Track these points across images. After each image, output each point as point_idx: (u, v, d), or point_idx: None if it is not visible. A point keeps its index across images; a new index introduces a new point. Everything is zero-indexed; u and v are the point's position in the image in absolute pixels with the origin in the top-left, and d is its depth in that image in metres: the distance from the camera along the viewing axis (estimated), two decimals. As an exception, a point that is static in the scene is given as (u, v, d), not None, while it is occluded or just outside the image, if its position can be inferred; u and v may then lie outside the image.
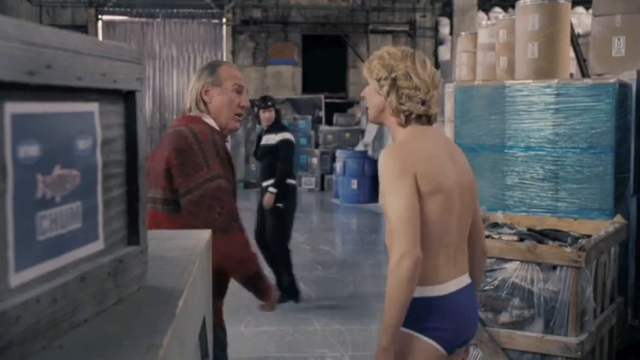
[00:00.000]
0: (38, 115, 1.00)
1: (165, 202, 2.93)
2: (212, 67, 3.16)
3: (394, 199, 2.46)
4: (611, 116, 4.74)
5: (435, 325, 2.55)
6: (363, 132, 16.70)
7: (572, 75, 9.28)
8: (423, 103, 2.63)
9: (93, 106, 1.17)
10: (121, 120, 1.27)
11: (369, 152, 13.84)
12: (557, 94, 4.86)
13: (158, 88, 22.37)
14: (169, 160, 2.87)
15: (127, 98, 1.28)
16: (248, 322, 6.25)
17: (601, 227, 4.56)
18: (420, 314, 2.54)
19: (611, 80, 4.79)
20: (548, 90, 4.89)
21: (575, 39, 8.65)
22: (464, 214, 2.65)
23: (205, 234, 1.88)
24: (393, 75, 2.63)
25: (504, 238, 4.07)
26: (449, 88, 9.11)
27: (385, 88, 2.65)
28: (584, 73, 8.75)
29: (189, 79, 22.22)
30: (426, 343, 2.55)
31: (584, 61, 8.84)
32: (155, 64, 22.29)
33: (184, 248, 1.71)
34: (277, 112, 7.30)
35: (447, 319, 2.57)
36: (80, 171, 1.12)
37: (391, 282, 2.41)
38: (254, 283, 2.97)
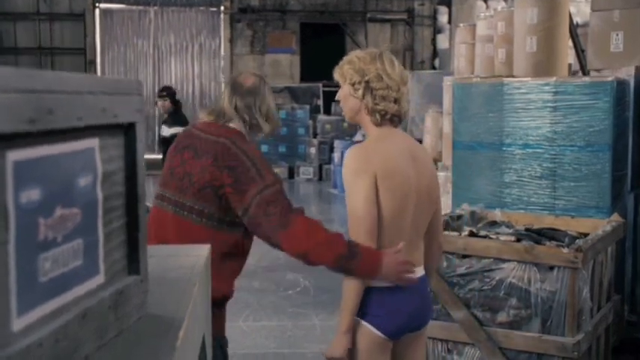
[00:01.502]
0: (39, 159, 1.01)
1: (202, 214, 2.92)
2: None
3: (352, 198, 2.70)
4: (609, 114, 4.75)
5: (377, 312, 2.80)
6: (361, 121, 16.67)
7: (570, 65, 9.28)
8: (396, 101, 2.82)
9: (93, 142, 1.18)
10: (121, 152, 1.28)
11: (368, 142, 13.84)
12: (556, 92, 4.86)
13: (156, 76, 22.34)
14: (221, 178, 2.87)
15: (127, 130, 1.29)
16: (247, 317, 6.28)
17: (598, 225, 4.58)
18: (366, 302, 2.79)
19: (609, 78, 4.80)
20: (546, 88, 4.89)
21: (573, 29, 8.64)
22: (419, 216, 2.85)
23: (204, 250, 1.89)
24: (366, 78, 2.81)
25: (502, 238, 4.08)
26: (447, 82, 9.12)
27: (360, 91, 2.83)
28: (582, 64, 8.75)
29: (187, 67, 22.22)
30: (367, 328, 2.80)
31: (583, 51, 8.83)
32: (153, 53, 22.24)
33: (184, 267, 1.72)
34: (175, 104, 7.58)
35: (387, 308, 2.81)
36: (81, 208, 1.13)
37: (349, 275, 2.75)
38: (342, 267, 2.74)
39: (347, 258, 2.71)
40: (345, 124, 17.22)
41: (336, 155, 14.58)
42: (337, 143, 14.81)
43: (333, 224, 11.79)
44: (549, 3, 7.79)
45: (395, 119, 2.85)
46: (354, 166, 2.72)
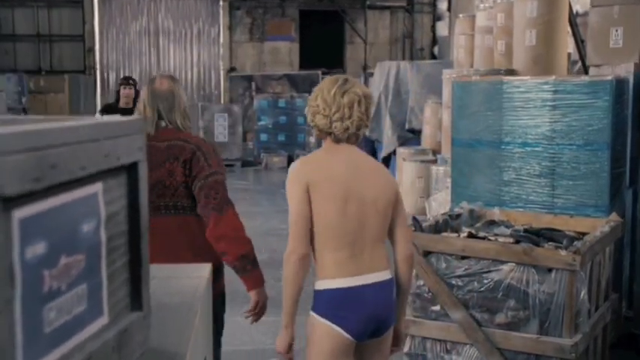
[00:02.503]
0: (44, 212, 1.03)
1: (192, 210, 3.34)
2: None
3: (289, 204, 3.03)
4: (608, 113, 4.76)
5: (338, 313, 2.99)
6: (360, 110, 16.63)
7: (569, 55, 9.27)
8: (329, 120, 3.06)
9: (96, 187, 1.19)
10: (124, 191, 1.29)
11: (367, 132, 13.83)
12: (555, 91, 4.86)
13: (154, 63, 22.29)
14: (185, 172, 3.31)
15: (130, 170, 1.30)
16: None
17: (597, 225, 4.60)
18: (327, 303, 3.02)
19: (609, 77, 4.80)
20: (545, 87, 4.89)
21: (573, 18, 8.63)
22: (369, 222, 3.06)
23: (205, 270, 1.91)
24: (310, 97, 3.19)
25: (501, 240, 4.10)
26: (446, 75, 9.12)
27: (307, 108, 3.20)
28: (581, 53, 8.75)
29: (185, 54, 22.18)
30: (331, 328, 3.00)
31: (583, 41, 8.83)
32: (151, 40, 22.19)
33: (185, 291, 1.73)
34: (138, 94, 7.58)
35: (349, 309, 2.98)
36: (85, 253, 1.15)
37: (284, 274, 3.01)
38: (243, 266, 3.23)
39: (249, 261, 3.22)
40: (345, 113, 17.23)
41: (335, 144, 14.59)
42: (336, 132, 14.80)
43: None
44: (549, -4, 7.78)
45: (332, 136, 3.11)
46: (290, 177, 3.06)
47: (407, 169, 10.84)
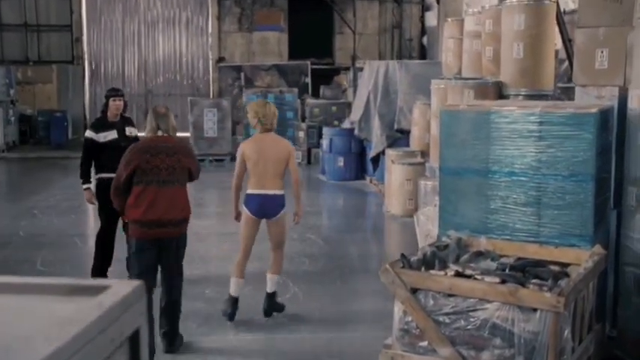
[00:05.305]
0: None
1: (185, 182, 5.71)
2: None
3: (236, 161, 6.49)
4: (592, 146, 4.84)
5: (248, 204, 6.36)
6: (349, 105, 16.71)
7: (557, 52, 9.33)
8: (260, 122, 6.40)
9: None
10: (126, 358, 1.36)
11: (356, 131, 13.87)
12: (540, 122, 4.95)
13: (143, 54, 22.26)
14: (192, 162, 5.79)
15: (133, 336, 1.37)
16: (238, 330, 6.39)
17: (581, 256, 4.71)
18: (245, 200, 6.38)
19: (593, 110, 4.88)
20: (531, 118, 4.97)
21: (560, 17, 8.68)
22: (269, 167, 6.29)
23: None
24: (252, 112, 6.46)
25: (487, 279, 4.20)
26: (434, 85, 9.19)
27: (249, 115, 6.53)
28: (569, 53, 8.81)
29: (174, 44, 22.14)
30: (246, 211, 6.38)
31: (570, 41, 8.89)
32: (140, 30, 22.14)
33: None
34: (126, 105, 7.63)
35: (252, 203, 6.34)
36: None
37: (232, 189, 6.56)
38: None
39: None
40: (334, 108, 17.27)
41: (324, 142, 14.63)
42: (325, 131, 14.84)
43: (321, 218, 11.89)
44: (536, 10, 7.85)
45: (265, 128, 6.39)
46: (238, 151, 6.48)
47: (395, 171, 10.93)
